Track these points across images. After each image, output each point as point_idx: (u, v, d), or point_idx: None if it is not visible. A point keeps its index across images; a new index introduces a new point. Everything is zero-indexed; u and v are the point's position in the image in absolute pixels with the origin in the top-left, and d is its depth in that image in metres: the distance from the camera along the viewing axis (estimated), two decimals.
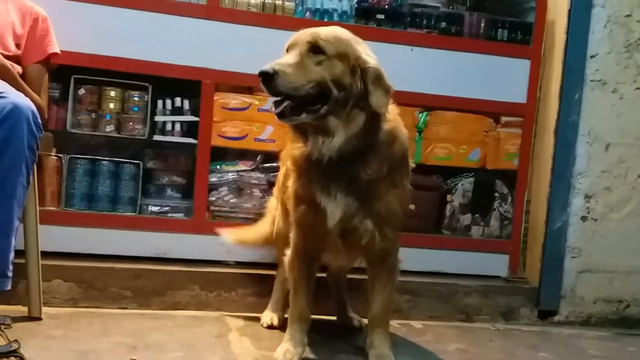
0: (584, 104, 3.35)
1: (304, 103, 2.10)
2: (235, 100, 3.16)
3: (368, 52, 2.21)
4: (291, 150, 2.35)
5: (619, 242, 3.44)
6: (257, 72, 2.07)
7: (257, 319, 2.87)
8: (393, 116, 2.30)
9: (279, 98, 2.10)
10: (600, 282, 3.45)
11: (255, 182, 3.23)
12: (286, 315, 2.60)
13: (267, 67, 2.06)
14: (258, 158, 3.25)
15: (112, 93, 3.11)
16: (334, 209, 2.25)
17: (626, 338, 3.30)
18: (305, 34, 2.17)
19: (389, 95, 2.20)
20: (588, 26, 3.33)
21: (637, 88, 3.40)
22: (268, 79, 2.05)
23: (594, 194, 3.40)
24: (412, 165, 2.49)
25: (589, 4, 3.32)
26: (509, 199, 3.48)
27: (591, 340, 3.21)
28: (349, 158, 2.19)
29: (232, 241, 2.89)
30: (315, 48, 2.12)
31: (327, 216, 2.25)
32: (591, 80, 3.35)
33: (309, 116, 2.12)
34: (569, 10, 3.33)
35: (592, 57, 3.35)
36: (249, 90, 3.19)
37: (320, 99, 2.11)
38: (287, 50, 2.18)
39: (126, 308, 2.92)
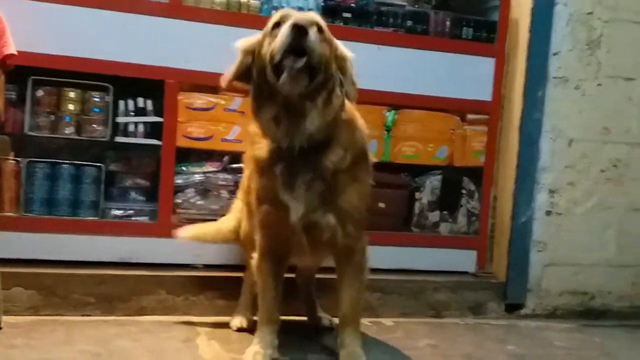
0: (547, 101, 3.40)
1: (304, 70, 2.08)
2: (200, 100, 3.12)
3: None
4: (252, 151, 2.34)
5: (583, 235, 3.50)
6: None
7: (227, 322, 2.84)
8: (350, 109, 2.33)
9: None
10: (565, 275, 3.50)
11: (223, 183, 3.18)
12: (256, 318, 2.57)
13: (303, 20, 2.04)
14: (225, 159, 3.20)
15: (72, 94, 3.03)
16: (297, 204, 2.24)
17: (591, 329, 3.36)
18: (296, 12, 2.16)
19: (355, 88, 2.24)
20: (551, 24, 3.37)
21: (598, 84, 3.46)
22: (303, 34, 2.02)
23: (557, 189, 3.45)
24: (372, 160, 2.48)
25: (552, 3, 3.37)
26: (476, 196, 3.52)
27: (557, 332, 3.26)
28: (316, 147, 2.20)
29: (187, 238, 2.80)
30: (318, 28, 2.12)
31: (290, 212, 2.25)
32: (554, 78, 3.40)
33: (307, 86, 2.10)
34: (532, 9, 3.37)
35: (554, 54, 3.39)
36: (215, 90, 3.14)
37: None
38: (275, 27, 2.14)
39: (90, 315, 2.86)
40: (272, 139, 2.22)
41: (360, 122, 2.39)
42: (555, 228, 3.46)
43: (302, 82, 2.08)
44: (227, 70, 2.26)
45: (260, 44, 2.18)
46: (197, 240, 2.85)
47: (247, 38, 2.25)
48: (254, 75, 2.20)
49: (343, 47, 2.24)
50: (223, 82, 2.28)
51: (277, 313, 2.46)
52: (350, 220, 2.32)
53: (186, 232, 2.81)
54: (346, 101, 2.25)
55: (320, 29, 2.12)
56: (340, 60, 2.21)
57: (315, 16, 2.16)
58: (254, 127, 2.32)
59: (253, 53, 2.20)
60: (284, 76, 2.06)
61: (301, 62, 2.04)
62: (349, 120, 2.30)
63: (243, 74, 2.23)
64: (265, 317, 2.44)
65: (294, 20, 2.04)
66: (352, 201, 2.33)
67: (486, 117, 3.47)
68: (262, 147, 2.28)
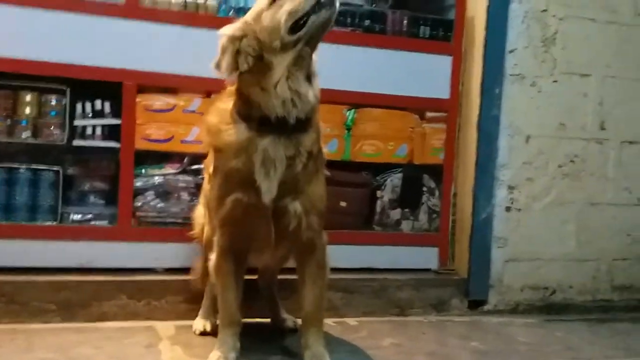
0: (505, 98, 3.44)
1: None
2: (159, 101, 3.09)
3: None
4: (220, 140, 2.29)
5: (542, 230, 3.55)
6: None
7: (190, 327, 2.81)
8: None
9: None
10: (526, 271, 3.55)
11: (183, 185, 3.16)
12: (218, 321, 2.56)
13: None
14: (185, 160, 3.18)
15: (28, 97, 2.98)
16: (271, 185, 2.22)
17: (553, 324, 3.40)
18: None
19: None
20: (506, 22, 3.41)
21: (554, 81, 3.51)
22: None
23: (516, 185, 3.50)
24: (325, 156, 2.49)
25: (507, 1, 3.41)
26: (437, 193, 3.54)
27: (520, 327, 3.30)
28: (300, 125, 2.21)
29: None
30: None
31: (263, 195, 2.22)
32: (510, 75, 3.44)
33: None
34: (488, 7, 3.41)
35: (510, 52, 3.43)
36: (174, 91, 3.12)
37: None
38: (273, 1, 2.18)
39: (50, 322, 2.80)
40: (270, 107, 2.17)
41: None
42: (515, 224, 3.50)
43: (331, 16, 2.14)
44: (214, 65, 2.22)
45: (256, 19, 2.20)
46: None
47: (228, 27, 2.23)
48: (250, 51, 2.18)
49: None
50: (227, 77, 2.24)
51: (239, 315, 2.43)
52: (314, 210, 2.33)
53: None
54: None
55: None
56: None
57: None
58: (213, 118, 2.31)
59: (241, 38, 2.19)
60: (321, 13, 2.11)
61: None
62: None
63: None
64: (227, 320, 2.42)
65: None
66: (317, 191, 2.34)
67: (445, 114, 3.50)
68: (234, 132, 2.24)
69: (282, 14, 2.14)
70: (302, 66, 2.19)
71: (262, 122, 2.19)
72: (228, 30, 2.22)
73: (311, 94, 2.20)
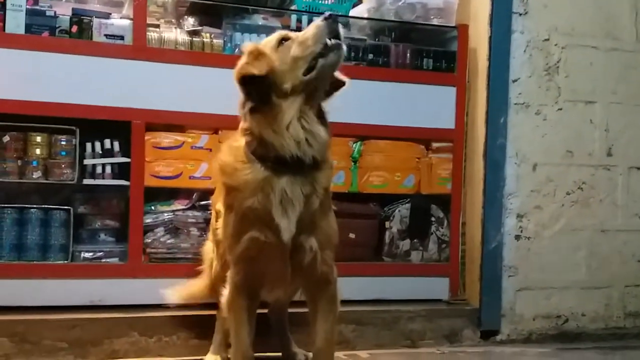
0: (510, 127, 3.46)
1: None
2: (167, 139, 3.14)
3: None
4: (235, 180, 2.27)
5: (553, 258, 3.53)
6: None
7: None
8: None
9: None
10: (538, 299, 3.52)
11: (192, 220, 3.19)
12: (230, 356, 2.54)
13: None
14: (194, 196, 3.21)
15: (38, 138, 3.04)
16: (289, 223, 2.20)
17: (566, 352, 3.37)
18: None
19: None
20: (509, 52, 3.45)
21: (559, 109, 3.53)
22: (335, 21, 2.16)
23: (525, 213, 3.49)
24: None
25: (508, 31, 3.44)
26: (445, 223, 3.54)
27: (533, 357, 3.26)
28: (316, 163, 2.20)
29: (177, 300, 2.84)
30: None
31: (282, 231, 2.20)
32: (515, 104, 3.46)
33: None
34: (490, 38, 3.45)
35: (514, 81, 3.46)
36: (181, 129, 3.17)
37: None
38: (280, 44, 2.21)
39: None
40: (286, 147, 2.15)
41: None
42: (525, 252, 3.49)
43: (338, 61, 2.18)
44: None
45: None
46: (188, 300, 2.85)
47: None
48: (260, 88, 2.17)
49: None
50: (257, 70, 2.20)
51: (251, 351, 2.41)
52: (329, 245, 2.33)
53: (175, 294, 2.83)
54: None
55: None
56: None
57: None
58: (227, 157, 2.28)
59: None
60: (329, 57, 2.14)
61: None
62: None
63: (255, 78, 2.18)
64: (240, 356, 2.39)
65: (325, 13, 2.18)
66: (331, 225, 2.35)
67: (450, 144, 3.52)
68: (250, 171, 2.22)
69: (290, 59, 2.16)
70: (313, 105, 2.20)
71: (277, 161, 2.18)
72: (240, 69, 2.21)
73: (324, 132, 2.20)
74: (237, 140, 2.29)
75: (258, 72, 2.14)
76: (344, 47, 2.17)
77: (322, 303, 2.40)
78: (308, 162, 2.17)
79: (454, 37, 3.56)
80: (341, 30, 2.17)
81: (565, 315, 3.57)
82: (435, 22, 3.58)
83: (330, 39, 2.15)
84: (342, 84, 2.32)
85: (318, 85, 2.20)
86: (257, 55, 2.19)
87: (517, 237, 3.48)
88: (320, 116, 2.23)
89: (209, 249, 2.79)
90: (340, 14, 3.56)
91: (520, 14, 3.46)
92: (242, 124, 2.25)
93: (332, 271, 2.39)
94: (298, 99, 2.16)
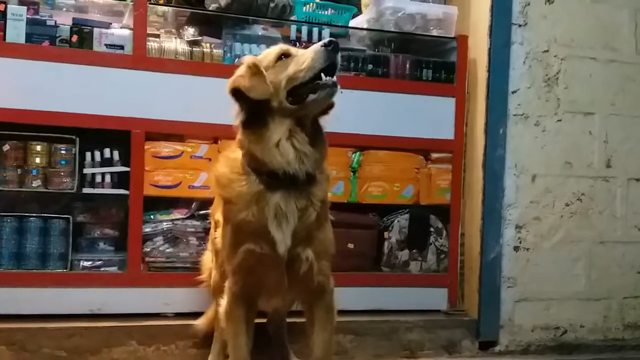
0: (509, 138, 3.46)
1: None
2: (166, 148, 3.14)
3: None
4: (230, 192, 2.27)
5: (552, 270, 3.53)
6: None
7: None
8: None
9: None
10: (537, 310, 3.52)
11: (192, 229, 3.19)
12: None
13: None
14: (193, 205, 3.22)
15: (38, 147, 3.04)
16: (285, 236, 2.20)
17: None
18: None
19: None
20: (508, 63, 3.46)
21: (558, 120, 3.54)
22: (336, 50, 2.13)
23: (524, 224, 3.49)
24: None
25: (508, 42, 3.45)
26: (444, 233, 3.55)
27: None
28: (310, 177, 2.20)
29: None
30: None
31: (277, 245, 2.20)
32: (514, 115, 3.47)
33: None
34: (489, 49, 3.46)
35: (513, 92, 3.47)
36: (181, 138, 3.18)
37: None
38: (279, 59, 2.20)
39: None
40: (276, 165, 2.15)
41: None
42: (524, 263, 3.49)
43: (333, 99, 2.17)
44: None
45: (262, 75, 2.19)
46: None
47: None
48: (251, 103, 2.17)
49: None
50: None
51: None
52: (326, 256, 2.33)
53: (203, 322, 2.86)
54: None
55: None
56: None
57: None
58: (223, 168, 2.28)
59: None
60: (319, 93, 2.12)
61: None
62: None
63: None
64: None
65: (329, 38, 2.15)
66: (328, 236, 2.35)
67: (450, 155, 3.53)
68: (245, 183, 2.22)
69: (284, 78, 2.15)
70: (305, 126, 2.18)
71: (270, 176, 2.18)
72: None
73: (315, 151, 2.18)
74: (234, 152, 2.29)
75: (245, 90, 2.13)
76: (338, 87, 2.14)
77: (319, 313, 2.40)
78: (302, 178, 2.17)
79: (453, 48, 3.57)
80: (339, 59, 2.14)
81: (564, 327, 3.56)
82: (434, 33, 3.58)
83: (326, 71, 2.11)
84: (333, 105, 2.29)
85: (308, 113, 2.19)
86: (253, 72, 2.17)
87: (516, 248, 3.48)
88: (315, 130, 2.22)
89: (208, 259, 2.80)
90: (340, 24, 3.59)
91: (520, 25, 3.47)
92: (238, 135, 2.25)
93: (328, 281, 2.39)
94: (286, 120, 2.15)
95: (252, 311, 2.44)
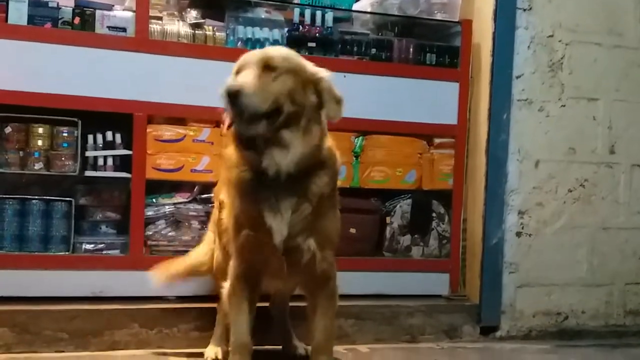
0: (513, 123, 3.45)
1: (260, 115, 2.09)
2: (169, 131, 3.14)
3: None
4: (232, 174, 2.30)
5: (554, 255, 3.52)
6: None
7: (201, 354, 2.81)
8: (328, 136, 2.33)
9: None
10: (538, 296, 3.52)
11: (194, 213, 3.19)
12: (230, 348, 2.55)
13: (233, 86, 2.05)
14: (195, 189, 3.22)
15: (40, 130, 3.04)
16: (281, 227, 2.22)
17: (566, 349, 3.37)
18: (255, 54, 2.18)
19: (340, 105, 2.23)
20: (512, 48, 3.43)
21: (562, 105, 3.52)
22: (235, 97, 2.04)
23: (527, 210, 3.49)
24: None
25: (512, 27, 3.43)
26: (446, 218, 3.54)
27: (533, 354, 3.27)
28: (303, 172, 2.19)
29: (161, 280, 2.80)
30: (267, 66, 2.13)
31: (274, 235, 2.22)
32: (518, 100, 3.45)
33: (267, 127, 2.10)
34: (494, 33, 3.43)
35: (517, 77, 3.45)
36: (183, 122, 3.17)
37: (275, 112, 2.11)
38: (238, 73, 2.17)
39: (63, 351, 2.82)
40: (257, 169, 2.19)
41: (336, 150, 2.38)
42: (526, 249, 3.49)
43: (255, 127, 2.09)
44: None
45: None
46: (172, 280, 2.83)
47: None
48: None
49: (315, 69, 2.23)
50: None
51: (250, 339, 2.41)
52: (328, 245, 2.34)
53: (159, 274, 2.80)
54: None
55: (270, 67, 2.12)
56: (314, 83, 2.20)
57: (268, 55, 2.16)
58: (231, 151, 2.28)
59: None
60: (236, 125, 2.11)
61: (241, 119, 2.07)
62: (330, 146, 2.31)
63: None
64: (238, 345, 2.39)
65: (229, 86, 2.06)
66: (331, 226, 2.35)
67: (452, 140, 3.52)
68: (244, 170, 2.24)
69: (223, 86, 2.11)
70: (277, 136, 2.13)
71: (258, 172, 2.19)
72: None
73: (294, 153, 2.13)
74: None
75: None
76: (244, 127, 2.09)
77: (322, 298, 2.41)
78: (283, 178, 2.16)
79: (457, 32, 3.54)
80: (242, 102, 2.03)
81: (566, 313, 3.57)
82: (438, 17, 3.56)
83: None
84: None
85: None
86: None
87: (518, 234, 3.48)
88: (305, 126, 2.16)
89: (209, 238, 2.82)
90: (343, 7, 3.56)
91: (525, 10, 3.45)
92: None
93: (332, 268, 2.40)
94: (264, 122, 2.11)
95: (254, 291, 2.45)
